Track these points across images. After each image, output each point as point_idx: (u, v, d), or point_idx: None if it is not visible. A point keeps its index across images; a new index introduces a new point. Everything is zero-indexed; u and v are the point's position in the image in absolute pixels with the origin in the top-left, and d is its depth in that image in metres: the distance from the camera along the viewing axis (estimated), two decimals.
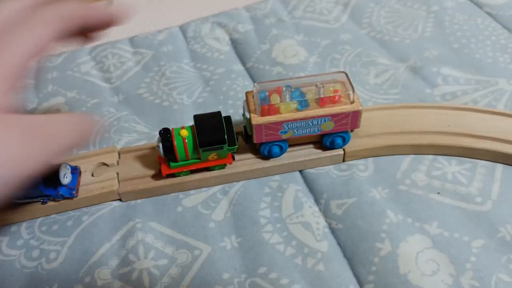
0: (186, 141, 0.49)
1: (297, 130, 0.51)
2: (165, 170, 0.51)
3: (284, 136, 0.52)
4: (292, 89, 0.51)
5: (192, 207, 0.52)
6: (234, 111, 0.62)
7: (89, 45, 0.76)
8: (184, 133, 0.50)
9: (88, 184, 0.53)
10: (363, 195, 0.50)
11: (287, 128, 0.51)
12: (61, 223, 0.51)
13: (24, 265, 0.48)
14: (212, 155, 0.51)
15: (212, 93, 0.65)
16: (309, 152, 0.54)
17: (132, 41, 0.76)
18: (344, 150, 0.53)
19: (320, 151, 0.54)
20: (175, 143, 0.49)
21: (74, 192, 0.51)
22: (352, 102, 0.50)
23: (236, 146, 0.51)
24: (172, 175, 0.52)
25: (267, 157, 0.54)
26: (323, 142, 0.54)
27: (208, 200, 0.52)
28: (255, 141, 0.52)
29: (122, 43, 0.76)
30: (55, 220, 0.51)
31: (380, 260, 0.45)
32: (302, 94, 0.51)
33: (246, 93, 0.53)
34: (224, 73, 0.68)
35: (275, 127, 0.50)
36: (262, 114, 0.50)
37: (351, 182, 0.52)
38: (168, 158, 0.51)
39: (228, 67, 0.68)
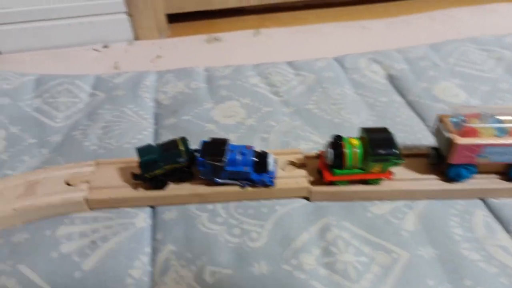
0: (357, 150, 0.51)
1: (494, 156, 0.52)
2: (328, 177, 0.53)
3: (478, 160, 0.53)
4: (492, 116, 0.53)
5: (381, 215, 0.53)
6: (405, 136, 0.64)
7: (251, 63, 0.83)
8: (354, 142, 0.52)
9: (280, 178, 0.56)
10: None
11: (485, 152, 0.52)
12: (255, 208, 0.53)
13: (227, 240, 0.50)
14: (377, 167, 0.52)
15: (379, 118, 0.68)
16: (491, 182, 0.55)
17: (291, 64, 0.82)
18: None
19: (504, 182, 0.55)
20: (346, 150, 0.51)
21: (274, 180, 0.54)
22: None
23: (403, 161, 0.53)
24: (331, 183, 0.54)
25: (451, 179, 0.55)
26: (510, 173, 0.55)
27: (395, 211, 0.53)
28: (450, 162, 0.53)
29: (282, 65, 0.82)
30: (248, 205, 0.54)
31: None
32: (499, 121, 0.53)
33: (441, 115, 0.55)
34: (387, 102, 0.71)
35: (474, 149, 0.52)
36: (462, 135, 0.51)
37: None
38: (333, 165, 0.52)
39: (390, 97, 0.72)
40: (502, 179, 0.56)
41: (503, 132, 0.52)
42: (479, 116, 0.53)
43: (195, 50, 0.94)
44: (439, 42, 0.88)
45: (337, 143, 0.52)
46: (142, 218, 0.53)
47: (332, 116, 0.68)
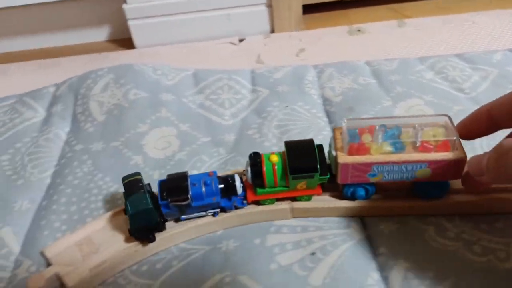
0: (276, 167, 0.47)
1: (388, 175, 0.45)
2: (250, 196, 0.49)
3: (372, 180, 0.46)
4: (388, 129, 0.46)
5: None
6: None
7: (417, 56, 0.76)
8: (274, 158, 0.47)
9: None
10: None
11: (376, 171, 0.45)
12: (488, 223, 0.47)
13: (470, 259, 0.44)
14: (301, 184, 0.47)
15: None
16: None
17: (461, 57, 0.74)
18: None
19: None
20: (264, 168, 0.46)
21: (245, 202, 0.49)
22: (455, 150, 0.44)
23: (328, 176, 0.47)
24: (258, 202, 0.50)
25: (349, 199, 0.49)
26: (416, 190, 0.48)
27: None
28: (339, 181, 0.47)
29: (452, 58, 0.74)
30: (477, 220, 0.48)
31: None
32: (398, 135, 0.46)
33: (334, 129, 0.49)
34: None
35: (363, 168, 0.45)
36: (350, 153, 0.45)
37: None
38: (255, 184, 0.48)
39: None
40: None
41: (399, 148, 0.45)
42: (373, 130, 0.46)
43: (338, 42, 0.89)
44: None
45: (255, 160, 0.47)
46: (356, 229, 0.48)
47: None
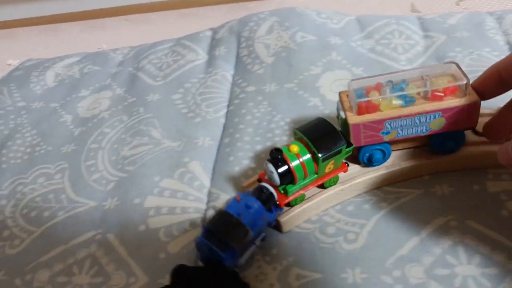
0: (302, 158, 0.42)
1: (402, 130, 0.43)
2: (282, 199, 0.43)
3: (386, 138, 0.43)
4: (395, 85, 0.43)
5: None
6: None
7: None
8: (295, 148, 0.42)
9: None
10: None
11: (389, 128, 0.43)
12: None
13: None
14: (329, 165, 0.43)
15: None
16: None
17: None
18: None
19: None
20: (291, 163, 0.41)
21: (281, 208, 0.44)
22: (467, 95, 0.41)
23: (353, 146, 0.44)
24: (288, 204, 0.44)
25: (367, 165, 0.46)
26: (431, 144, 0.45)
27: None
28: (354, 144, 0.44)
29: None
30: None
31: None
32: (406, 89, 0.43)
33: (340, 93, 0.46)
34: None
35: (375, 126, 0.43)
36: (360, 112, 0.42)
37: None
38: (284, 184, 0.42)
39: None
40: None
41: (409, 101, 0.42)
42: (379, 87, 0.43)
43: None
44: None
45: (277, 158, 0.42)
46: None
47: None
